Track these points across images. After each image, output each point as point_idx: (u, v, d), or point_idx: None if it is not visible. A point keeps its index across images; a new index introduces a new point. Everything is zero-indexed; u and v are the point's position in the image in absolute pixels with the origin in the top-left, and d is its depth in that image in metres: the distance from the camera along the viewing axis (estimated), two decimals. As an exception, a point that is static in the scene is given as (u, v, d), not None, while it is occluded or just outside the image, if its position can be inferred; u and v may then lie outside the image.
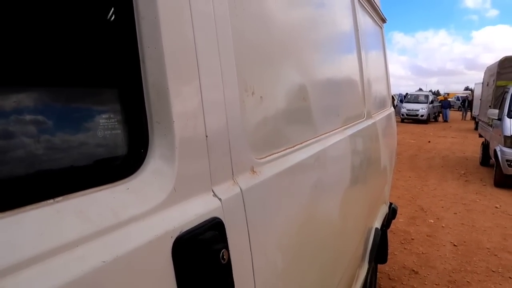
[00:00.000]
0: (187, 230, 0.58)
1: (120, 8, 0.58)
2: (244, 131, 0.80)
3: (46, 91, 0.50)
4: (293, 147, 1.05)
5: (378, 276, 3.43)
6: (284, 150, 1.00)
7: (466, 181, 7.66)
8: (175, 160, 0.60)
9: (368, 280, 2.56)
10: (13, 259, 0.38)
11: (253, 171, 0.83)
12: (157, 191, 0.58)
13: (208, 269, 0.58)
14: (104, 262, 0.45)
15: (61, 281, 0.40)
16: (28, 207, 0.42)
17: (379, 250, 2.66)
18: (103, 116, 0.56)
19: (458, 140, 14.08)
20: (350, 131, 1.70)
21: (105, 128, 0.55)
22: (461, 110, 29.12)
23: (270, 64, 1.00)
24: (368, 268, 2.35)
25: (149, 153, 0.59)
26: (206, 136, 0.68)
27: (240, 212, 0.74)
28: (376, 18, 2.96)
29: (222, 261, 0.60)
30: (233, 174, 0.76)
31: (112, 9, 0.57)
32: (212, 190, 0.69)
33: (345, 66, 1.89)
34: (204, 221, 0.62)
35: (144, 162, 0.58)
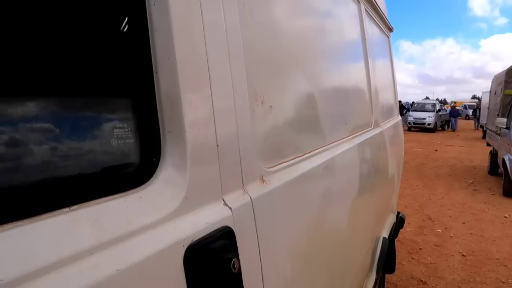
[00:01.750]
0: (198, 239, 0.59)
1: (134, 19, 0.59)
2: (254, 140, 0.81)
3: (61, 101, 0.51)
4: (302, 156, 1.06)
5: (385, 286, 3.39)
6: (293, 159, 1.00)
7: (474, 190, 7.58)
8: (187, 169, 0.61)
9: (376, 290, 2.54)
10: (30, 266, 0.38)
11: (263, 180, 0.83)
12: (169, 199, 0.58)
13: (219, 278, 0.58)
14: (117, 270, 0.46)
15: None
16: (44, 216, 0.43)
17: (386, 260, 2.63)
18: (117, 125, 0.56)
19: (466, 149, 13.97)
20: (358, 140, 1.69)
21: (119, 137, 0.56)
22: (468, 119, 28.72)
23: (279, 73, 1.01)
24: (376, 278, 2.33)
25: (162, 162, 0.60)
26: (217, 145, 0.69)
27: (250, 221, 0.75)
28: (383, 27, 2.97)
29: (233, 270, 0.60)
30: (243, 183, 0.76)
31: (127, 20, 0.59)
32: (223, 199, 0.69)
33: (352, 75, 1.90)
34: (215, 230, 0.63)
35: (157, 171, 0.59)
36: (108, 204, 0.51)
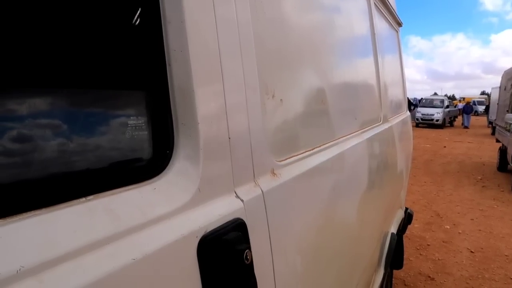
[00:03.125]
0: (211, 230, 0.59)
1: (148, 12, 0.59)
2: (265, 133, 0.81)
3: (77, 94, 0.51)
4: (312, 149, 1.06)
5: (393, 282, 3.39)
6: (303, 153, 1.00)
7: (483, 186, 7.52)
8: (200, 161, 0.61)
9: (384, 286, 2.54)
10: (50, 254, 0.39)
11: (274, 173, 0.84)
12: (182, 191, 0.59)
13: (232, 269, 0.59)
14: (133, 259, 0.46)
15: (94, 276, 0.41)
16: (62, 205, 0.44)
17: (394, 255, 2.62)
18: (131, 118, 0.57)
19: (475, 145, 13.85)
20: (367, 135, 1.69)
21: (133, 129, 0.57)
22: (477, 115, 28.06)
23: (290, 67, 1.01)
24: (384, 273, 2.33)
25: (175, 154, 0.60)
26: (229, 138, 0.69)
27: (262, 213, 0.75)
28: (392, 22, 2.95)
29: (246, 261, 0.60)
30: (254, 176, 0.77)
31: (140, 13, 0.59)
32: (235, 191, 0.70)
33: (362, 70, 1.89)
34: (228, 222, 0.63)
35: (170, 163, 0.59)
36: (123, 195, 0.51)
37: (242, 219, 0.67)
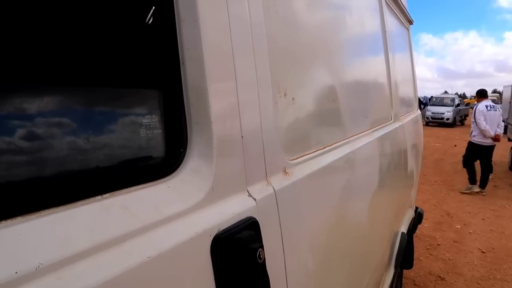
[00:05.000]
0: (224, 229, 0.59)
1: (162, 11, 0.59)
2: (277, 132, 0.81)
3: (93, 92, 0.52)
4: (323, 148, 1.05)
5: (403, 281, 3.36)
6: (314, 151, 1.00)
7: (494, 186, 7.43)
8: (213, 159, 0.61)
9: (394, 285, 2.52)
10: (68, 251, 0.40)
11: (285, 172, 0.83)
12: (196, 190, 0.59)
13: (246, 268, 0.59)
14: (149, 257, 0.47)
15: (111, 274, 0.42)
16: (79, 203, 0.44)
17: (405, 255, 2.61)
18: (145, 116, 0.57)
19: (486, 144, 13.66)
20: (378, 134, 1.68)
21: (147, 128, 0.57)
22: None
23: (301, 66, 1.01)
24: (394, 272, 2.31)
25: (188, 152, 0.60)
26: (242, 137, 0.69)
27: (274, 212, 0.75)
28: (403, 20, 2.92)
29: (259, 260, 0.60)
30: (266, 174, 0.77)
31: (155, 12, 0.59)
32: (247, 190, 0.70)
33: (373, 68, 1.87)
34: (241, 220, 0.63)
35: (183, 161, 0.60)
36: (138, 193, 0.52)
37: (254, 218, 0.67)
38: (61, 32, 0.47)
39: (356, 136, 1.37)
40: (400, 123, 2.28)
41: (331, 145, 1.12)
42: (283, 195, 0.78)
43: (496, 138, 6.44)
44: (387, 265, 2.22)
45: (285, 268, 0.77)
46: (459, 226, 5.20)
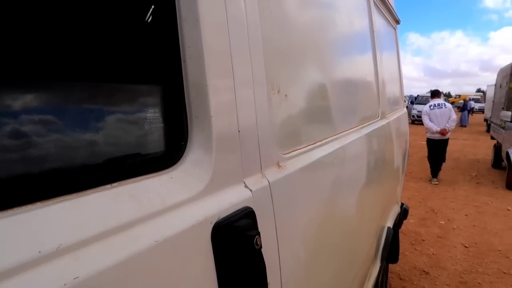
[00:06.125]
0: (224, 217, 0.63)
1: (164, 11, 0.62)
2: (271, 127, 0.85)
3: (100, 88, 0.55)
4: (314, 143, 1.10)
5: (389, 275, 3.44)
6: (306, 146, 1.04)
7: (477, 183, 7.61)
8: (212, 152, 0.65)
9: (380, 279, 2.59)
10: (83, 234, 0.43)
11: (279, 165, 0.87)
12: (196, 180, 0.62)
13: (244, 253, 0.63)
14: (156, 241, 0.50)
15: (123, 256, 0.45)
16: (91, 190, 0.47)
17: (390, 249, 2.68)
18: (149, 111, 0.61)
19: (470, 142, 13.96)
20: (366, 130, 1.73)
21: (151, 122, 0.60)
22: (473, 113, 27.36)
23: (293, 64, 1.05)
24: (380, 266, 2.38)
25: (189, 145, 0.64)
26: (239, 131, 0.73)
27: (268, 203, 0.79)
28: (391, 20, 2.98)
29: (256, 246, 0.64)
30: (261, 167, 0.80)
31: (157, 12, 0.62)
32: (244, 182, 0.74)
33: (361, 67, 1.93)
34: (238, 210, 0.67)
35: (185, 154, 0.63)
36: (144, 183, 0.55)
37: (251, 208, 0.71)
38: (73, 31, 0.50)
39: (345, 132, 1.42)
40: (387, 121, 2.34)
41: (321, 140, 1.16)
42: (277, 187, 0.82)
43: (442, 132, 7.18)
44: (374, 259, 2.29)
45: (279, 256, 0.81)
46: (443, 222, 5.33)
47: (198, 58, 0.64)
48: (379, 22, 2.41)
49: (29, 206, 0.40)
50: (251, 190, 0.73)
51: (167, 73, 0.63)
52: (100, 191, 0.49)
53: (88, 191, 0.47)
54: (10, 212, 0.39)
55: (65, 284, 0.38)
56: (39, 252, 0.38)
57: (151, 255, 0.49)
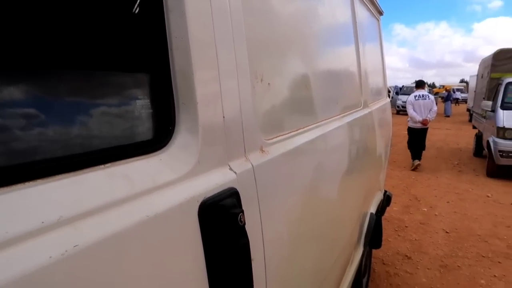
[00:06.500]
0: (209, 197, 0.68)
1: (152, 2, 0.66)
2: (254, 114, 0.90)
3: (95, 75, 0.59)
4: (297, 130, 1.15)
5: (372, 260, 3.56)
6: (288, 133, 1.09)
7: (459, 171, 7.82)
8: (199, 137, 0.69)
9: (363, 263, 2.68)
10: (82, 208, 0.47)
11: (262, 150, 0.92)
12: (184, 162, 0.67)
13: (229, 230, 0.68)
14: (147, 216, 0.55)
15: (117, 228, 0.50)
16: (87, 169, 0.52)
17: (373, 235, 2.77)
18: (139, 97, 0.65)
19: (453, 132, 14.25)
20: (348, 119, 1.79)
21: (141, 108, 0.65)
22: (457, 103, 27.55)
23: (277, 54, 1.09)
24: (363, 251, 2.47)
25: (176, 129, 0.68)
26: (223, 117, 0.77)
27: (252, 185, 0.84)
28: (373, 11, 3.04)
29: (240, 223, 0.69)
30: (245, 151, 0.85)
31: (145, 3, 0.66)
32: (229, 165, 0.78)
33: (343, 57, 1.98)
34: (223, 190, 0.72)
35: (172, 138, 0.67)
36: (135, 164, 0.59)
37: (235, 188, 0.75)
38: (69, 23, 0.54)
39: (327, 120, 1.48)
40: (369, 110, 2.41)
41: (304, 127, 1.21)
42: (260, 170, 0.87)
43: (423, 122, 7.59)
44: (356, 244, 2.37)
45: (262, 234, 0.86)
46: (425, 209, 5.48)
47: (185, 47, 0.68)
48: (362, 13, 2.46)
49: (33, 182, 0.44)
50: (235, 173, 0.78)
51: (155, 62, 0.67)
52: (96, 170, 0.53)
53: (85, 170, 0.52)
54: (17, 186, 0.43)
55: (66, 251, 0.43)
56: (42, 222, 0.42)
57: (143, 228, 0.54)
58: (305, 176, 1.20)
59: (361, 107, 2.22)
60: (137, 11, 0.66)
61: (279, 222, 0.98)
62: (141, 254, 0.53)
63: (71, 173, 0.49)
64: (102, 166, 0.54)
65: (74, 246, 0.44)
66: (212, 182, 0.71)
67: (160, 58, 0.67)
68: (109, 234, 0.48)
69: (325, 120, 1.46)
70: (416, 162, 7.92)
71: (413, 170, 7.84)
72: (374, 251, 3.56)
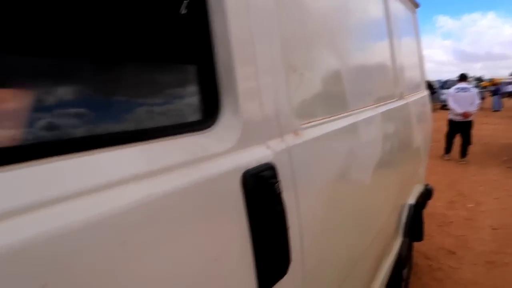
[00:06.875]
0: (250, 168, 0.80)
1: (197, 5, 0.79)
2: (288, 101, 1.01)
3: (161, 67, 0.72)
4: (329, 117, 1.25)
5: (415, 255, 3.54)
6: (321, 119, 1.19)
7: (508, 167, 7.47)
8: (240, 118, 0.81)
9: (404, 255, 2.70)
10: (152, 167, 0.60)
11: (296, 133, 1.03)
12: (228, 139, 0.79)
13: (267, 195, 0.79)
14: (200, 178, 0.67)
15: (180, 186, 0.63)
16: (154, 140, 0.65)
17: (413, 227, 2.78)
18: (192, 86, 0.78)
19: (502, 127, 13.57)
20: (382, 109, 1.85)
21: (193, 94, 0.78)
22: (509, 96, 26.14)
23: (309, 47, 1.20)
24: (402, 241, 2.50)
25: (221, 112, 0.81)
26: (261, 103, 0.89)
27: (287, 162, 0.95)
28: (408, 4, 3.06)
29: (277, 191, 0.81)
30: (281, 133, 0.96)
31: (193, 5, 0.79)
32: (266, 143, 0.90)
33: (376, 50, 2.04)
34: (262, 164, 0.83)
35: (218, 118, 0.80)
36: (191, 137, 0.72)
37: (272, 163, 0.87)
38: (128, 18, 0.68)
39: (360, 110, 1.56)
40: (405, 101, 2.44)
41: (336, 115, 1.31)
42: (294, 150, 0.98)
43: (464, 115, 7.71)
44: (394, 234, 2.41)
45: (297, 206, 0.97)
46: (471, 205, 5.33)
47: (226, 43, 0.80)
48: (396, 7, 2.50)
49: (121, 146, 0.58)
50: (272, 150, 0.89)
51: (204, 56, 0.80)
52: (161, 141, 0.66)
53: (153, 140, 0.65)
54: (112, 148, 0.57)
55: (142, 199, 0.56)
56: (122, 177, 0.56)
57: (198, 189, 0.67)
58: (337, 160, 1.29)
59: (397, 99, 2.27)
60: (186, 12, 0.79)
61: (312, 198, 1.08)
62: (198, 210, 0.66)
63: (143, 142, 0.63)
64: (167, 138, 0.68)
65: (148, 195, 0.57)
66: (252, 157, 0.83)
67: (207, 52, 0.80)
68: (172, 191, 0.61)
69: (357, 109, 1.54)
70: (447, 157, 8.15)
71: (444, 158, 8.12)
72: (416, 245, 3.54)
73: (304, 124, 1.09)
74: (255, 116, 0.87)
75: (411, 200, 2.74)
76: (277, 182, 0.82)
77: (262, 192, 0.79)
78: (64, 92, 0.60)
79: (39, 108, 0.57)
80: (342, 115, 1.37)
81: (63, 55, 0.60)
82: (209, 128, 0.77)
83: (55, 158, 0.50)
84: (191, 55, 0.79)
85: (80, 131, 0.57)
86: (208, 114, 0.80)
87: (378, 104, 1.86)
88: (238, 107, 0.81)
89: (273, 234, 0.83)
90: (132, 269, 0.54)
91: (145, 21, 0.71)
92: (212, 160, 0.73)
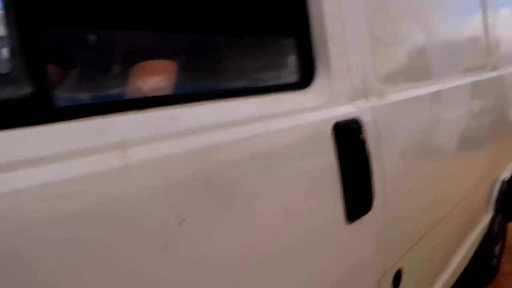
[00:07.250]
0: (339, 121, 0.97)
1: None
2: (373, 67, 1.15)
3: (274, 39, 0.93)
4: (413, 83, 1.36)
5: (508, 234, 3.38)
6: (404, 85, 1.31)
7: None
8: (332, 80, 0.98)
9: (494, 230, 2.65)
10: (257, 115, 0.81)
11: (380, 96, 1.17)
12: (321, 97, 0.97)
13: (354, 142, 0.97)
14: (298, 125, 0.87)
15: (280, 129, 0.83)
16: (267, 94, 0.86)
17: (507, 204, 2.69)
18: (296, 53, 0.98)
19: None
20: (470, 79, 1.87)
21: (294, 59, 0.97)
22: None
23: (395, 17, 1.32)
24: (492, 216, 2.46)
25: (316, 75, 0.98)
26: (349, 68, 1.05)
27: (371, 120, 1.09)
28: (508, -30, 2.88)
29: (362, 139, 0.97)
30: (366, 95, 1.11)
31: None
32: (353, 102, 1.06)
33: (466, 20, 2.04)
34: (349, 118, 1.00)
35: (313, 80, 0.98)
36: (293, 94, 0.92)
37: (358, 118, 1.03)
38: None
39: (446, 78, 1.62)
40: (499, 73, 2.37)
41: (420, 81, 1.41)
42: (378, 110, 1.12)
43: None
44: (484, 207, 2.39)
45: (380, 158, 1.11)
46: None
47: (320, 17, 0.97)
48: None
49: (236, 98, 0.80)
50: (358, 108, 1.05)
51: (304, 27, 0.98)
52: (272, 95, 0.87)
53: (267, 94, 0.86)
54: (210, 101, 0.79)
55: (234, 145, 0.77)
56: (226, 123, 0.77)
57: (300, 133, 0.86)
58: (420, 123, 1.39)
59: (489, 70, 2.23)
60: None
61: (394, 154, 1.21)
62: (301, 149, 0.86)
63: (262, 95, 0.84)
64: (277, 93, 0.88)
65: (267, 132, 0.78)
66: (341, 112, 1.00)
67: (305, 25, 0.98)
68: (282, 131, 0.82)
69: (443, 77, 1.60)
70: None
71: None
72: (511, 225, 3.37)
73: (387, 88, 1.22)
74: (344, 79, 1.04)
75: (505, 176, 2.65)
76: (362, 132, 0.98)
77: (349, 139, 0.96)
78: (201, 60, 0.84)
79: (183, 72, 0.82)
80: (426, 82, 1.46)
81: (194, 32, 0.84)
82: (307, 88, 0.96)
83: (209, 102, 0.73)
84: (294, 30, 0.98)
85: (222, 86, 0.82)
86: (306, 76, 0.98)
87: (467, 75, 1.88)
88: (330, 71, 0.99)
89: (358, 175, 1.00)
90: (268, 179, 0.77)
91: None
92: (309, 112, 0.91)
